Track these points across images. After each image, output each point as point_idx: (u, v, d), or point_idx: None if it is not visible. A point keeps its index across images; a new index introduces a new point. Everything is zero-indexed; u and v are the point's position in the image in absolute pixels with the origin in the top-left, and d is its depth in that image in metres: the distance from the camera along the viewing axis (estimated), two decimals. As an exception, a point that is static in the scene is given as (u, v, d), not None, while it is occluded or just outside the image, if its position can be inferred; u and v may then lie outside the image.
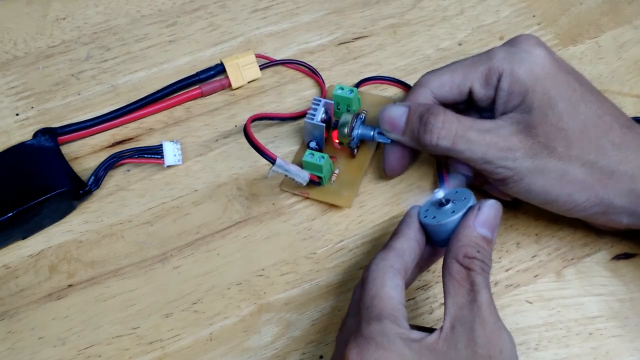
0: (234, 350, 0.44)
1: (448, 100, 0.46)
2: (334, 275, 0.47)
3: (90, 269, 0.47)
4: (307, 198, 0.49)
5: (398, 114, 0.45)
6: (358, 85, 0.53)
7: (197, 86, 0.53)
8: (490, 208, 0.38)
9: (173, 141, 0.50)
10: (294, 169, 0.46)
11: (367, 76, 0.54)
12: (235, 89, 0.53)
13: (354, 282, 0.46)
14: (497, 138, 0.42)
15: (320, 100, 0.48)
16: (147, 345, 0.44)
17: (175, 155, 0.50)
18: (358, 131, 0.48)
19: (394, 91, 0.54)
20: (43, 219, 0.48)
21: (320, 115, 0.48)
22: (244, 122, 0.45)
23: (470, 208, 0.39)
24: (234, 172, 0.50)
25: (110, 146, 0.51)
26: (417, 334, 0.35)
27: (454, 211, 0.39)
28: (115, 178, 0.50)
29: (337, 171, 0.49)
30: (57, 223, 0.48)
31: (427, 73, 0.46)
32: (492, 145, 0.42)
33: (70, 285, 0.46)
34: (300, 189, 0.48)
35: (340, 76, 0.54)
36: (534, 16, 0.57)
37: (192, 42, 0.56)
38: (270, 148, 0.47)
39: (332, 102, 0.49)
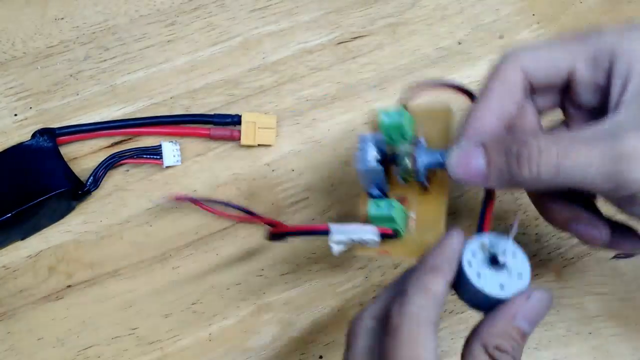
0: (233, 350, 0.44)
1: (542, 83, 0.36)
2: (334, 275, 0.46)
3: (89, 270, 0.47)
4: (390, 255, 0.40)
5: (473, 158, 0.34)
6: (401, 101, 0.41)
7: (208, 127, 0.51)
8: (541, 301, 0.33)
9: (172, 141, 0.50)
10: (355, 228, 0.37)
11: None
12: (243, 145, 0.51)
13: (353, 282, 0.46)
14: (619, 144, 0.31)
15: (366, 137, 0.39)
16: (147, 345, 0.44)
17: (174, 156, 0.50)
18: (423, 160, 0.37)
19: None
20: (42, 220, 0.48)
21: (372, 154, 0.38)
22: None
23: (520, 292, 0.33)
24: (233, 172, 0.50)
25: (109, 146, 0.51)
26: None
27: (502, 285, 0.33)
28: (114, 178, 0.50)
29: (412, 214, 0.39)
30: (55, 224, 0.48)
31: (517, 47, 0.36)
32: (612, 157, 0.31)
33: (69, 286, 0.46)
34: (378, 248, 0.38)
35: (339, 75, 0.54)
36: (533, 15, 0.57)
37: (190, 42, 0.56)
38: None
39: (381, 134, 0.39)
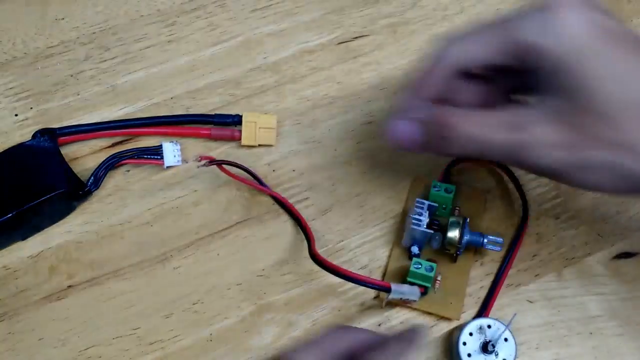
0: (234, 350, 0.44)
1: (469, 68, 0.40)
2: (334, 275, 0.46)
3: (90, 270, 0.47)
4: (412, 309, 0.45)
5: (410, 131, 0.40)
6: (449, 169, 0.48)
7: (208, 127, 0.51)
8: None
9: (173, 142, 0.50)
10: (407, 289, 0.43)
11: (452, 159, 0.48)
12: (243, 145, 0.51)
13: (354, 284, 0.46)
14: (530, 135, 0.36)
15: (424, 203, 0.44)
16: (148, 345, 0.44)
17: (174, 156, 0.50)
18: (467, 238, 0.44)
19: (482, 172, 0.50)
20: (43, 220, 0.48)
21: (426, 219, 0.44)
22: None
23: None
24: (234, 172, 0.50)
25: (109, 146, 0.51)
26: None
27: None
28: (115, 179, 0.50)
29: (439, 277, 0.45)
30: (56, 224, 0.48)
31: (448, 40, 0.39)
32: (525, 145, 0.36)
33: (70, 286, 0.46)
34: (404, 300, 0.44)
35: (340, 75, 0.54)
36: (534, 15, 0.57)
37: (191, 42, 0.56)
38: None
39: (436, 205, 0.45)
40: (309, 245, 0.44)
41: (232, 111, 0.51)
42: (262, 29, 0.57)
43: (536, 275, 0.46)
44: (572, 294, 0.46)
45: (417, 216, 0.44)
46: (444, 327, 0.45)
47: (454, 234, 0.44)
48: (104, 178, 0.49)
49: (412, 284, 0.44)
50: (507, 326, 0.42)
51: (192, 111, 0.53)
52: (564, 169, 0.36)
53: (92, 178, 0.49)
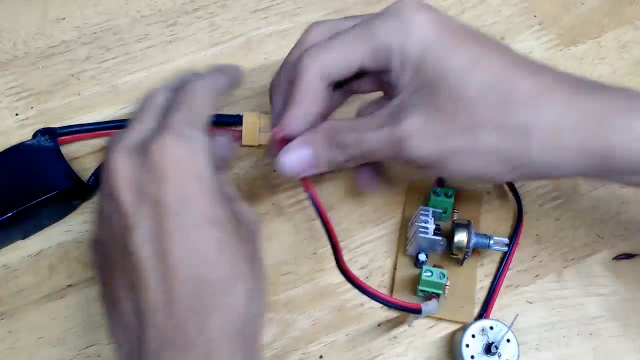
0: (233, 350, 0.44)
1: (337, 79, 0.41)
2: (334, 275, 0.46)
3: (89, 269, 0.47)
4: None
5: (302, 156, 0.41)
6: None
7: (209, 127, 0.50)
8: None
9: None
10: (432, 306, 0.43)
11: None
12: (244, 146, 0.50)
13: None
14: (403, 129, 0.38)
15: (428, 210, 0.45)
16: (147, 345, 0.44)
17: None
18: (474, 241, 0.44)
19: None
20: (43, 219, 0.48)
21: (432, 226, 0.44)
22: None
23: None
24: (234, 172, 0.50)
25: (110, 146, 0.51)
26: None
27: None
28: None
29: (448, 282, 0.45)
30: (56, 223, 0.48)
31: (311, 49, 0.41)
32: (390, 141, 0.39)
33: (69, 285, 0.46)
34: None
35: (340, 76, 0.54)
36: (535, 16, 0.57)
37: (192, 42, 0.56)
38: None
39: (439, 210, 0.46)
40: (336, 258, 0.41)
41: (232, 111, 0.52)
42: (263, 30, 0.57)
43: (536, 276, 0.46)
44: (572, 295, 0.46)
45: (423, 224, 0.44)
46: (445, 329, 0.45)
47: (461, 237, 0.44)
48: None
49: (423, 292, 0.44)
50: (509, 327, 0.42)
51: (192, 111, 0.53)
52: (436, 159, 0.38)
53: (93, 177, 0.49)
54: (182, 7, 0.58)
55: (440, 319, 0.45)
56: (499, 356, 0.42)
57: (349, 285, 0.45)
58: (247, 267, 0.35)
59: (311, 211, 0.48)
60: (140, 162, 0.34)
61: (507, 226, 0.48)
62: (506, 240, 0.44)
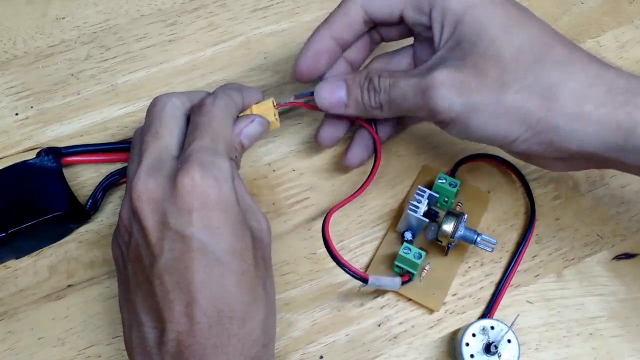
0: (233, 350, 0.44)
1: (378, 19, 0.44)
2: (334, 275, 0.46)
3: (89, 269, 0.47)
4: (394, 292, 0.46)
5: (337, 91, 0.44)
6: (457, 165, 0.49)
7: None
8: (261, 125, 0.43)
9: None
10: (387, 281, 0.43)
11: (465, 155, 0.50)
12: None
13: (354, 282, 0.46)
14: (432, 78, 0.39)
15: (425, 192, 0.45)
16: (147, 345, 0.44)
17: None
18: (460, 233, 0.44)
19: (489, 172, 0.50)
20: (38, 241, 0.47)
21: (424, 207, 0.44)
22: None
23: None
24: (234, 172, 0.50)
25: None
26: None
27: None
28: (114, 196, 0.49)
29: (427, 267, 0.46)
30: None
31: None
32: (419, 89, 0.40)
33: (69, 286, 0.46)
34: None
35: (340, 76, 0.54)
36: (534, 15, 0.57)
37: (192, 42, 0.56)
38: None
39: (437, 195, 0.46)
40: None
41: (233, 111, 0.51)
42: (263, 29, 0.57)
43: (536, 276, 0.46)
44: (572, 295, 0.46)
45: (415, 202, 0.44)
46: (445, 329, 0.45)
47: (448, 226, 0.44)
48: (102, 200, 0.48)
49: (399, 268, 0.45)
50: (509, 327, 0.42)
51: (192, 111, 0.52)
52: (460, 112, 0.39)
53: (90, 201, 0.48)
54: (181, 7, 0.57)
55: (409, 300, 0.45)
56: (499, 356, 0.42)
57: (348, 286, 0.46)
58: (263, 291, 0.37)
59: (311, 211, 0.49)
60: (166, 189, 0.36)
61: (509, 227, 0.48)
62: (494, 242, 0.44)
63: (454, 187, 0.46)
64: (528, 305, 0.46)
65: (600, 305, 0.46)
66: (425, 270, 0.46)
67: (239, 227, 0.36)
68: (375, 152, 0.46)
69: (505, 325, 0.42)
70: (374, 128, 0.47)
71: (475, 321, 0.43)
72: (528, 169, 0.50)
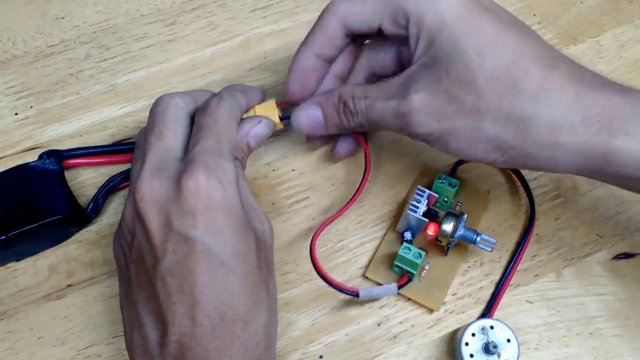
0: (233, 350, 0.44)
1: (358, 32, 0.43)
2: (334, 275, 0.46)
3: (89, 269, 0.47)
4: (402, 297, 0.46)
5: (313, 115, 0.44)
6: (457, 165, 0.49)
7: None
8: (267, 127, 0.43)
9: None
10: (380, 291, 0.44)
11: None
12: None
13: (354, 282, 0.46)
14: (399, 105, 0.39)
15: (424, 192, 0.45)
16: (147, 345, 0.44)
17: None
18: (460, 233, 0.44)
19: (489, 172, 0.50)
20: (38, 244, 0.47)
21: (423, 207, 0.45)
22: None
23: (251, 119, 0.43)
24: (233, 171, 0.50)
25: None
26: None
27: None
28: (115, 196, 0.49)
29: (427, 267, 0.46)
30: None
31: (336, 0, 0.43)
32: (396, 114, 0.40)
33: (69, 285, 0.46)
34: (386, 280, 0.46)
35: (340, 75, 0.54)
36: (534, 15, 0.57)
37: (191, 42, 0.56)
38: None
39: (436, 194, 0.46)
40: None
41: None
42: (263, 29, 0.57)
43: (536, 276, 0.47)
44: (572, 295, 0.46)
45: (415, 202, 0.44)
46: (445, 328, 0.45)
47: (448, 226, 0.44)
48: (103, 204, 0.48)
49: (399, 268, 0.45)
50: (509, 325, 0.41)
51: (192, 110, 0.52)
52: (438, 137, 0.40)
53: (92, 205, 0.48)
54: (181, 6, 0.57)
55: (409, 299, 0.46)
56: (499, 356, 0.42)
57: (348, 285, 0.46)
58: (266, 293, 0.37)
59: (311, 210, 0.49)
60: (170, 191, 0.36)
61: (508, 227, 0.48)
62: (493, 241, 0.44)
63: (454, 187, 0.47)
64: (528, 304, 0.46)
65: (599, 304, 0.46)
66: (425, 270, 0.46)
67: (242, 230, 0.36)
68: (365, 163, 0.46)
69: (505, 325, 0.42)
70: (364, 138, 0.47)
71: (474, 321, 0.43)
72: (528, 168, 0.50)
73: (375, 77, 0.46)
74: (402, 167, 0.50)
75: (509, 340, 0.42)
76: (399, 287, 0.44)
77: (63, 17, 0.57)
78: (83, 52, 0.55)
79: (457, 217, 0.44)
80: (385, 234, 0.48)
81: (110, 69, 0.54)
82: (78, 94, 0.53)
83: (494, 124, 0.38)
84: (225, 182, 0.36)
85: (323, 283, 0.46)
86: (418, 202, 0.44)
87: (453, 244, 0.45)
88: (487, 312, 0.45)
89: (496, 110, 0.38)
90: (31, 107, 0.53)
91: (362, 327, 0.45)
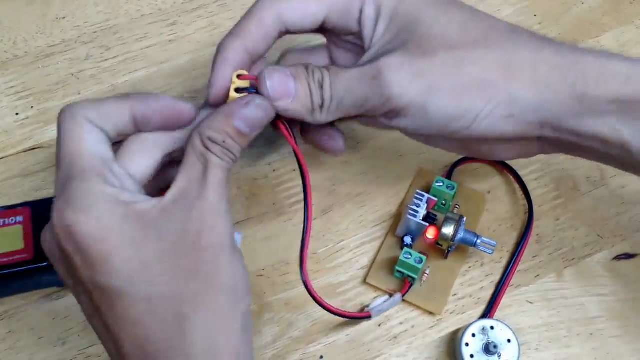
0: (234, 350, 0.44)
1: (297, 29, 0.40)
2: (334, 275, 0.46)
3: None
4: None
5: (289, 83, 0.38)
6: (454, 167, 0.49)
7: None
8: (258, 108, 0.36)
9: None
10: (388, 304, 0.44)
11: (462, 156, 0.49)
12: None
13: (354, 282, 0.46)
14: (371, 67, 0.37)
15: (424, 196, 0.44)
16: (147, 345, 0.44)
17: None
18: (461, 236, 0.44)
19: (486, 173, 0.50)
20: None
21: (423, 211, 0.44)
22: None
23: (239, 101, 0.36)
24: (234, 172, 0.50)
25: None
26: (129, 196, 0.33)
27: None
28: None
29: (428, 271, 0.46)
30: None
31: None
32: (368, 76, 0.37)
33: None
34: (388, 286, 0.46)
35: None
36: (535, 15, 0.57)
37: (192, 42, 0.56)
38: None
39: (435, 198, 0.46)
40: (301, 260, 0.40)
41: (233, 111, 0.51)
42: (263, 29, 0.56)
43: (536, 276, 0.46)
44: (572, 295, 0.46)
45: (414, 207, 0.44)
46: (446, 329, 0.45)
47: (448, 230, 0.44)
48: None
49: (400, 273, 0.44)
50: (509, 325, 0.41)
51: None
52: (416, 95, 0.37)
53: None
54: (182, 7, 0.57)
55: (410, 304, 0.45)
56: (499, 356, 0.42)
57: (348, 286, 0.46)
58: (191, 307, 0.33)
59: (312, 211, 0.48)
60: (51, 236, 0.33)
61: (509, 227, 0.48)
62: (494, 243, 0.44)
63: (452, 189, 0.46)
64: (528, 305, 0.46)
65: (600, 305, 0.46)
66: (425, 275, 0.46)
67: (129, 249, 0.32)
68: (300, 167, 0.39)
69: (506, 325, 0.42)
70: (293, 137, 0.39)
71: (475, 321, 0.43)
72: (529, 168, 0.50)
73: None
74: (402, 167, 0.50)
75: (509, 341, 0.42)
76: (403, 295, 0.44)
77: (64, 17, 0.57)
78: (84, 52, 0.55)
79: (457, 220, 0.44)
80: (384, 239, 0.48)
81: (111, 69, 0.54)
82: (79, 94, 0.53)
83: (476, 65, 0.36)
84: (86, 207, 0.32)
85: (323, 283, 0.46)
86: (417, 207, 0.44)
87: (453, 247, 0.45)
88: (487, 313, 0.45)
89: (473, 53, 0.37)
90: (32, 107, 0.53)
91: (363, 327, 0.45)
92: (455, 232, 0.44)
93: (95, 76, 0.54)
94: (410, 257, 0.44)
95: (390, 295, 0.45)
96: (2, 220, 0.44)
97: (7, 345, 0.44)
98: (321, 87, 0.38)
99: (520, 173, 0.49)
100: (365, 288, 0.46)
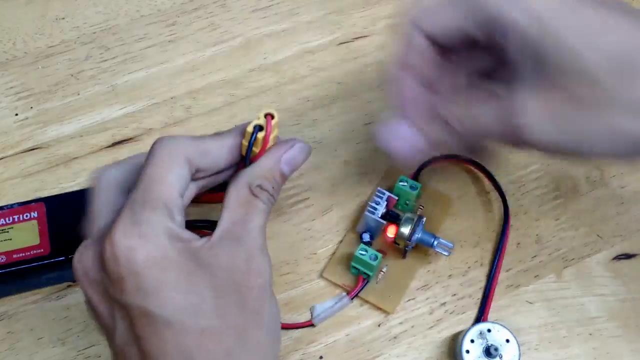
0: (233, 350, 0.44)
1: (446, 45, 0.37)
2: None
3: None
4: (349, 292, 0.45)
5: (402, 133, 0.38)
6: (420, 169, 0.48)
7: None
8: (302, 151, 0.38)
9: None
10: (333, 310, 0.45)
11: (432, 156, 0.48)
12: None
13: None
14: (524, 116, 0.34)
15: (384, 193, 0.45)
16: (147, 345, 0.44)
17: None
18: (418, 236, 0.44)
19: (454, 175, 0.50)
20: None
21: (382, 209, 0.45)
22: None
23: (283, 143, 0.38)
24: (233, 172, 0.50)
25: (109, 146, 0.51)
26: (187, 234, 0.34)
27: None
28: None
29: (384, 269, 0.46)
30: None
31: (421, 8, 0.37)
32: (522, 127, 0.34)
33: (69, 285, 0.46)
34: (343, 282, 0.46)
35: (340, 76, 0.54)
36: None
37: (191, 42, 0.56)
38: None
39: (396, 197, 0.46)
40: None
41: (233, 111, 0.51)
42: (263, 29, 0.57)
43: (536, 276, 0.46)
44: (572, 295, 0.46)
45: (373, 204, 0.45)
46: (446, 329, 0.45)
47: (406, 229, 0.44)
48: None
49: (355, 269, 0.45)
50: (507, 327, 0.41)
51: (192, 111, 0.53)
52: (557, 142, 0.34)
53: None
54: (181, 7, 0.57)
55: (366, 302, 0.45)
56: (500, 357, 0.42)
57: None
58: (240, 343, 0.33)
59: (311, 211, 0.49)
60: (96, 260, 0.33)
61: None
62: (451, 245, 0.44)
63: (415, 189, 0.46)
64: (528, 305, 0.46)
65: (600, 305, 0.46)
66: (382, 272, 0.46)
67: (184, 281, 0.32)
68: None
69: (503, 326, 0.42)
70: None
71: (471, 327, 0.43)
72: (528, 168, 0.50)
73: None
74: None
75: (508, 341, 0.42)
76: (353, 297, 0.45)
77: (63, 18, 0.57)
78: (83, 53, 0.55)
79: (415, 220, 0.44)
80: (345, 234, 0.48)
81: (111, 70, 0.54)
82: (78, 94, 0.53)
83: (627, 113, 0.32)
84: (150, 235, 0.32)
85: (323, 283, 0.46)
86: (377, 204, 0.45)
87: (411, 246, 0.45)
88: (480, 316, 0.45)
89: (623, 98, 0.32)
90: (31, 107, 0.53)
91: (363, 327, 0.45)
92: (413, 231, 0.44)
93: (94, 77, 0.54)
94: (365, 253, 0.44)
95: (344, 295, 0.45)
96: (17, 217, 0.44)
97: (7, 346, 0.44)
98: (447, 122, 0.37)
99: (520, 173, 0.49)
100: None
